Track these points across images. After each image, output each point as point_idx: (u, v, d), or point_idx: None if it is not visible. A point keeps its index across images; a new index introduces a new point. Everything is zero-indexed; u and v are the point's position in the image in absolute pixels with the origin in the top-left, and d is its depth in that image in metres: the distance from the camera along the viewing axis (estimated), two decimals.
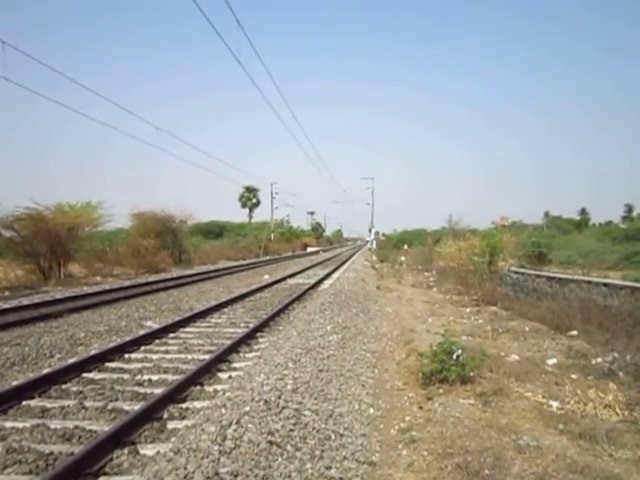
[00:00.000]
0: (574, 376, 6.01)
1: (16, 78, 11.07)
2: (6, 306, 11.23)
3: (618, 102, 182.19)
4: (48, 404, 4.87)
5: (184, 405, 4.93)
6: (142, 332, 8.32)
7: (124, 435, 4.00)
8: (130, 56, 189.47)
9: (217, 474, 3.20)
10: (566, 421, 4.59)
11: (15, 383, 5.47)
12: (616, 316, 8.64)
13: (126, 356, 6.96)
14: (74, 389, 5.39)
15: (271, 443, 3.73)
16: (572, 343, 7.72)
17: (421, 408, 5.11)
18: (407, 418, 4.87)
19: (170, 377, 5.89)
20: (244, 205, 66.79)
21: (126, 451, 3.81)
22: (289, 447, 3.76)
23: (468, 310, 11.99)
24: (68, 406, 4.79)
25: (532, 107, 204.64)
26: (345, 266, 28.84)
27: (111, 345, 7.28)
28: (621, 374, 5.91)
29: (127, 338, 7.80)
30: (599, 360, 6.49)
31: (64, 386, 5.50)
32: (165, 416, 4.62)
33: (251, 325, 9.03)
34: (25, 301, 12.32)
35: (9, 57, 10.72)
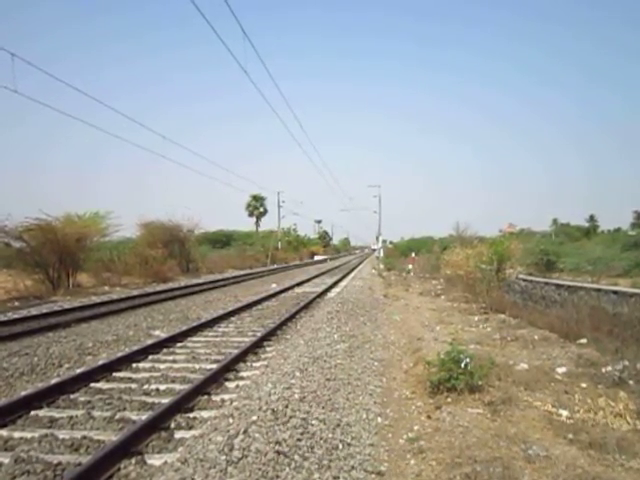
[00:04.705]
0: (584, 385, 5.94)
1: (17, 85, 11.06)
2: (15, 316, 11.34)
3: (627, 109, 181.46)
4: (56, 414, 4.90)
5: (191, 415, 4.93)
6: (150, 341, 8.34)
7: (132, 445, 4.01)
8: (128, 59, 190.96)
9: None
10: (576, 430, 4.54)
11: (24, 393, 5.51)
12: (626, 324, 8.57)
13: (134, 365, 6.98)
14: (82, 399, 5.41)
15: (278, 453, 3.71)
16: (582, 351, 7.64)
17: (429, 417, 5.07)
18: (415, 427, 4.83)
19: (178, 386, 5.90)
20: (251, 214, 66.90)
21: (133, 461, 3.82)
22: (297, 457, 3.74)
23: (476, 318, 11.91)
24: (76, 416, 4.81)
25: (541, 113, 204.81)
26: (352, 274, 28.82)
27: (119, 355, 7.31)
28: (631, 382, 5.84)
29: (135, 347, 7.83)
30: (609, 368, 6.41)
31: (72, 396, 5.52)
32: (172, 426, 4.62)
33: (258, 334, 9.03)
34: (34, 311, 12.42)
35: (5, 62, 10.78)
